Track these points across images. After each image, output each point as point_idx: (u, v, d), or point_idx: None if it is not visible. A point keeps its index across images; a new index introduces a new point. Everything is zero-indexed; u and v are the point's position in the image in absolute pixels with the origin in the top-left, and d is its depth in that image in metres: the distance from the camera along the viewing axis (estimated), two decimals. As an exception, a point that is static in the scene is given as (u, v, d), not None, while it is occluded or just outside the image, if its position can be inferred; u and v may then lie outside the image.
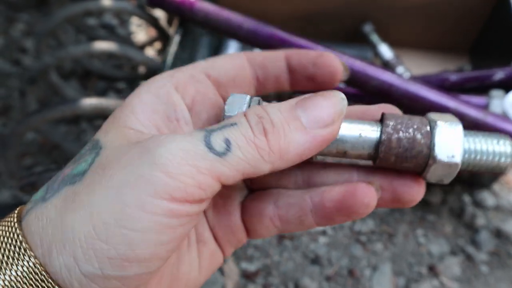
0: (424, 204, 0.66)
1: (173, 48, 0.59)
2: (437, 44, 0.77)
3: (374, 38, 0.73)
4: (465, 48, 0.77)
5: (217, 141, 0.20)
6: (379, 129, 0.22)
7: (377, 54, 0.72)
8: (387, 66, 0.71)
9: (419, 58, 0.76)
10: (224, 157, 0.20)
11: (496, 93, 0.54)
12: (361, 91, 0.52)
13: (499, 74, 0.57)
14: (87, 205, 0.19)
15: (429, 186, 0.64)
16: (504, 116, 0.49)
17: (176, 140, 0.20)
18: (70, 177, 0.21)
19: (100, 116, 0.73)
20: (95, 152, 0.22)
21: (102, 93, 0.77)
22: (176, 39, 0.60)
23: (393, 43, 0.73)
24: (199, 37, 0.70)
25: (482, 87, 0.58)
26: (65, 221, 0.19)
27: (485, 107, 0.53)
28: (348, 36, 0.76)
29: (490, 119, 0.47)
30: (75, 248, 0.19)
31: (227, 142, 0.20)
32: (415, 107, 0.50)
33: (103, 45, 0.60)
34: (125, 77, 0.79)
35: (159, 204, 0.19)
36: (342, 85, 0.57)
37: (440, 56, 0.77)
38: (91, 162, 0.21)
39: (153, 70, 0.59)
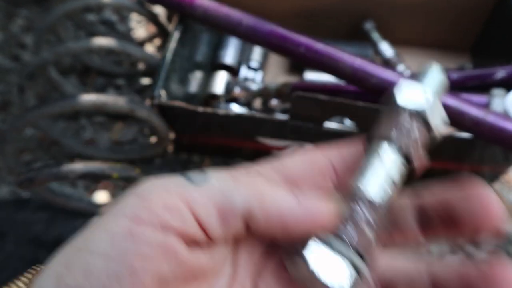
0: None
1: (172, 44, 0.59)
2: (438, 42, 0.76)
3: (375, 36, 0.72)
4: (466, 47, 0.76)
5: (197, 175, 0.20)
6: (391, 149, 0.23)
7: (377, 52, 0.72)
8: (387, 64, 0.70)
9: (419, 56, 0.76)
10: (200, 185, 0.19)
11: (497, 92, 0.54)
12: (362, 89, 0.52)
13: (500, 73, 0.57)
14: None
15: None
16: (505, 115, 0.48)
17: (161, 178, 0.20)
18: None
19: (99, 112, 0.73)
20: None
21: (101, 89, 0.77)
22: (175, 36, 0.60)
23: (393, 41, 0.73)
24: (199, 33, 0.70)
25: (483, 86, 0.57)
26: None
27: (486, 106, 0.53)
28: (348, 33, 0.75)
29: (491, 118, 0.46)
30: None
31: (207, 176, 0.20)
32: (415, 105, 0.50)
33: (102, 41, 0.59)
34: (124, 73, 0.79)
35: (121, 222, 0.18)
36: (343, 83, 0.57)
37: (441, 54, 0.76)
38: None
39: (153, 67, 0.59)
